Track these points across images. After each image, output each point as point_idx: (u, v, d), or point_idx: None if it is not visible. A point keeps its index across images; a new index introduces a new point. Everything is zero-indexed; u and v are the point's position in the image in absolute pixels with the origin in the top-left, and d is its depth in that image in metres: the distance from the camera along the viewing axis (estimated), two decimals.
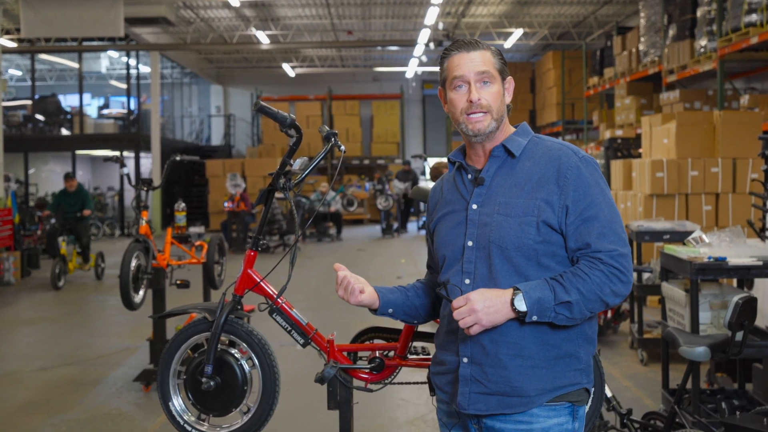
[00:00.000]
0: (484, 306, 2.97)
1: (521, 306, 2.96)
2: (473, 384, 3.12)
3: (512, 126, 3.33)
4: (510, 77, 3.31)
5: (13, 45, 26.74)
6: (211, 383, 4.41)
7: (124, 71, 32.04)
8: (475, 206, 3.18)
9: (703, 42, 15.29)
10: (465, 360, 3.14)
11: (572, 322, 3.04)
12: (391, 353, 4.51)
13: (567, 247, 3.10)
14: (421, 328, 4.49)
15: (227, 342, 4.55)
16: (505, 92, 3.27)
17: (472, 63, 3.18)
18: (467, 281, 3.14)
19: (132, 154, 29.70)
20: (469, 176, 3.26)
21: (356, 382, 4.50)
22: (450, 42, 3.43)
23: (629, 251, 3.08)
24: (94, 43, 28.54)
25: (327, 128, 4.22)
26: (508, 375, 3.07)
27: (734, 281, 8.27)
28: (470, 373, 3.13)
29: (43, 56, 33.18)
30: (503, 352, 3.07)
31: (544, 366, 3.08)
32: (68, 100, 35.15)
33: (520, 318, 3.00)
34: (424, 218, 26.02)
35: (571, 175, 3.07)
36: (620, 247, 3.05)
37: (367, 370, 4.47)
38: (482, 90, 3.17)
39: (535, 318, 2.98)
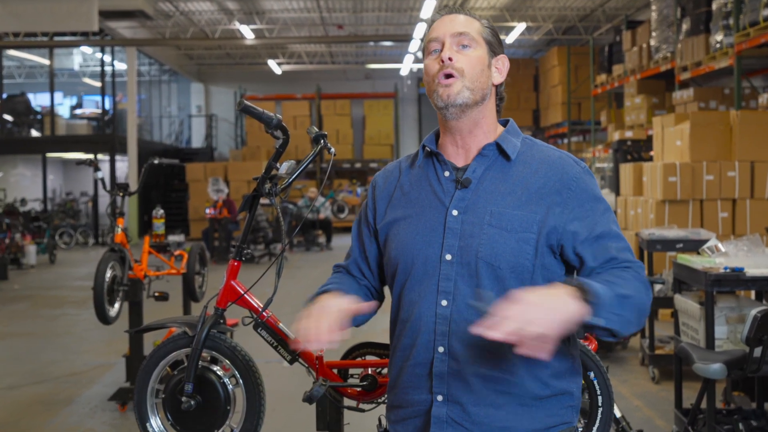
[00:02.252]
0: (543, 306, 2.47)
1: (599, 322, 2.57)
2: (450, 427, 2.85)
3: (499, 123, 3.09)
4: (503, 56, 3.04)
5: None
6: (192, 402, 4.40)
7: (99, 68, 32.09)
8: (455, 212, 2.89)
9: (719, 37, 15.32)
10: (440, 398, 2.85)
11: (612, 336, 2.67)
12: (385, 370, 4.51)
13: (583, 267, 2.84)
14: None
15: (209, 358, 4.55)
16: (494, 69, 3.00)
17: (452, 23, 2.98)
18: (444, 302, 2.84)
19: (107, 157, 29.73)
20: (447, 173, 2.98)
21: (347, 401, 4.50)
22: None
23: None
24: (67, 38, 28.56)
25: (316, 129, 4.22)
26: (498, 414, 2.83)
27: (752, 293, 8.28)
28: (446, 413, 2.85)
29: (12, 52, 33.13)
30: (490, 388, 2.82)
31: (535, 404, 2.85)
32: (38, 99, 35.12)
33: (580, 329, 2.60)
34: None
35: (575, 188, 2.88)
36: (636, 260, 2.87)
37: (358, 389, 4.47)
38: (459, 53, 2.92)
39: (596, 320, 2.56)
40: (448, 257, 2.86)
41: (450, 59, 2.90)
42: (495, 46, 3.00)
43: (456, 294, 2.84)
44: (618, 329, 2.63)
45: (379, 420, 3.37)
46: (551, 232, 2.83)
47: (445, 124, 2.99)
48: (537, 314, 2.45)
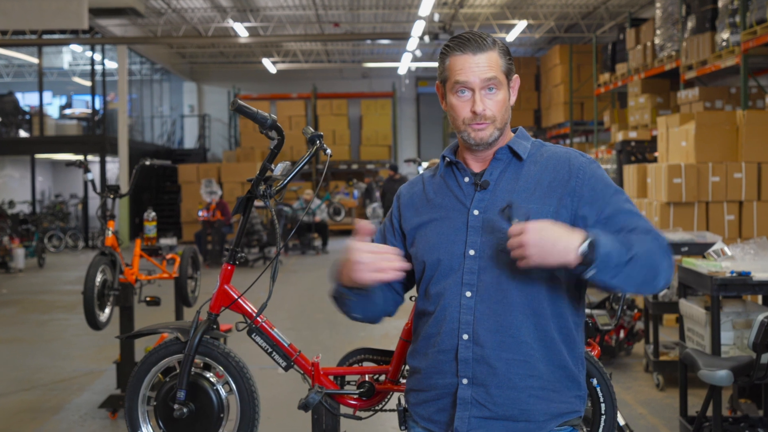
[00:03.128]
0: (539, 240, 2.87)
1: (590, 255, 2.87)
2: (474, 407, 3.11)
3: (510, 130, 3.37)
4: (516, 75, 3.32)
5: None
6: (184, 410, 4.40)
7: (89, 67, 32.05)
8: (476, 212, 3.18)
9: (725, 35, 15.31)
10: (465, 381, 3.12)
11: (620, 287, 2.99)
12: (382, 377, 4.51)
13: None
14: None
15: (202, 365, 4.55)
16: (511, 93, 3.30)
17: (479, 68, 3.16)
18: (468, 294, 3.13)
19: (97, 159, 29.70)
20: (466, 179, 3.27)
21: (344, 409, 4.49)
22: (449, 35, 3.40)
23: None
24: (56, 37, 28.49)
25: (311, 130, 4.22)
26: (519, 397, 3.09)
27: (759, 298, 8.28)
28: (471, 395, 3.12)
29: None
30: (514, 371, 3.08)
31: (552, 388, 3.12)
32: (27, 99, 35.10)
33: (578, 269, 2.91)
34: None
35: (582, 176, 3.15)
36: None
37: (355, 396, 4.47)
38: (487, 98, 3.18)
39: (593, 273, 2.90)
40: (472, 252, 3.16)
41: (484, 110, 3.17)
42: (511, 71, 3.28)
43: (479, 286, 3.14)
44: (619, 285, 2.98)
45: (399, 400, 3.62)
46: (566, 218, 3.12)
47: (468, 148, 3.28)
48: (530, 252, 2.87)
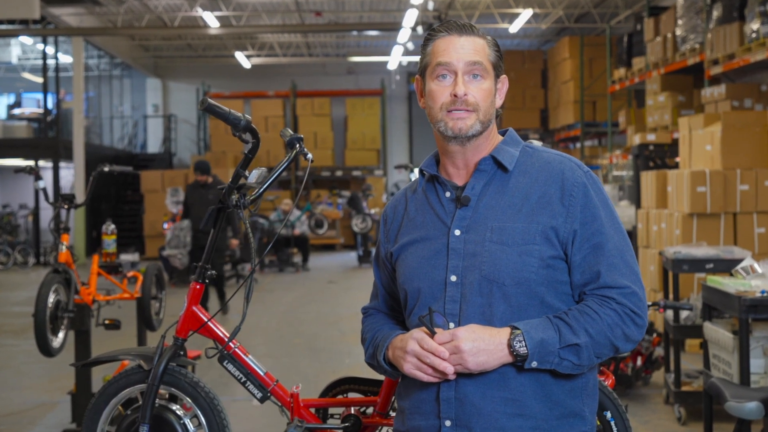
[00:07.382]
0: (472, 346, 2.98)
1: (521, 349, 2.98)
2: None
3: (498, 133, 3.36)
4: (504, 77, 3.32)
5: None
6: None
7: (40, 61, 31.98)
8: (458, 232, 3.17)
9: (755, 25, 15.32)
10: (448, 423, 3.11)
11: (578, 370, 3.06)
12: (370, 409, 4.51)
13: (572, 282, 3.14)
14: None
15: (167, 396, 4.55)
16: (497, 93, 3.28)
17: (463, 50, 3.18)
18: (451, 325, 3.11)
19: (50, 164, 29.64)
20: (448, 194, 3.26)
21: None
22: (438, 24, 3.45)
23: (643, 288, 3.13)
24: (3, 27, 28.47)
25: (290, 132, 4.23)
26: None
27: None
28: None
29: None
30: (500, 410, 3.06)
31: (547, 428, 3.08)
32: None
33: (517, 364, 3.01)
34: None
35: (578, 194, 3.13)
36: (633, 283, 3.10)
37: (340, 431, 4.47)
38: (471, 84, 3.18)
39: (535, 364, 3.00)
40: (453, 278, 3.12)
41: (465, 95, 3.18)
42: (499, 68, 3.27)
43: (462, 316, 3.10)
44: (561, 370, 3.05)
45: None
46: (555, 239, 3.10)
47: (445, 148, 3.27)
48: (465, 359, 2.99)
